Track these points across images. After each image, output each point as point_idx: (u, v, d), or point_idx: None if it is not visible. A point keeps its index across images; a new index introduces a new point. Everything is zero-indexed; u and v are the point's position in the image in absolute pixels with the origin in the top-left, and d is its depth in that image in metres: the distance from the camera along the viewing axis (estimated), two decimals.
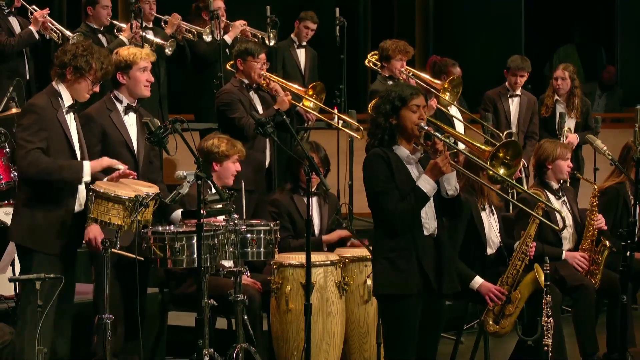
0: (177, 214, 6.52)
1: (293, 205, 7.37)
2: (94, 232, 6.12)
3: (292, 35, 10.35)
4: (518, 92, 9.97)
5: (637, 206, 6.61)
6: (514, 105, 9.95)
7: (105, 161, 6.12)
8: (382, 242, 5.45)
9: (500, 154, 5.47)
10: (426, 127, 5.41)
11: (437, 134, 5.40)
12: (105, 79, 6.27)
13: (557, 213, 6.59)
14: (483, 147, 5.52)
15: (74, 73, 6.07)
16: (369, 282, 6.79)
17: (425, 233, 5.43)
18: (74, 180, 6.02)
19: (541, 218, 6.47)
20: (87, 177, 6.03)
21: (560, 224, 6.27)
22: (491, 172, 5.52)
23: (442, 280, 5.44)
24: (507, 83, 10.00)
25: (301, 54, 10.30)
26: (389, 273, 5.38)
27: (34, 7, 9.15)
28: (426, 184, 5.33)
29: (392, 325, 5.44)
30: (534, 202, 6.83)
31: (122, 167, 6.15)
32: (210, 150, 7.06)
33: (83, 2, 9.62)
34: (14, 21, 9.13)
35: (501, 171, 5.49)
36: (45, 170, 5.94)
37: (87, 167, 6.03)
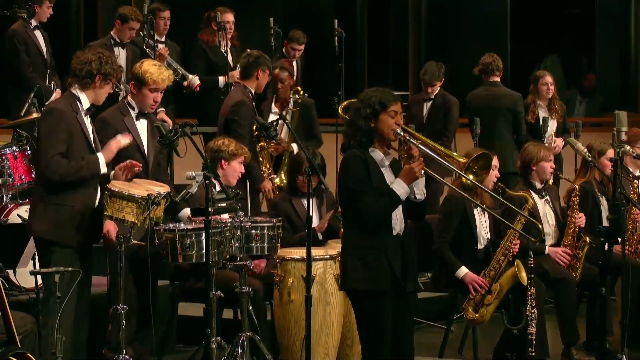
0: (185, 212, 6.53)
1: (291, 207, 7.35)
2: (107, 226, 6.14)
3: (284, 52, 10.29)
4: (432, 96, 9.82)
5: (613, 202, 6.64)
6: (426, 109, 9.90)
7: (113, 144, 6.12)
8: (354, 239, 5.43)
9: (471, 164, 5.48)
10: (401, 133, 5.39)
11: (412, 140, 5.38)
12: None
13: (538, 225, 6.70)
14: (456, 157, 5.53)
15: (103, 79, 6.09)
16: None
17: (394, 233, 5.41)
18: (95, 175, 6.06)
19: (528, 217, 6.51)
20: (104, 169, 6.08)
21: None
22: (464, 180, 5.52)
23: (407, 278, 5.42)
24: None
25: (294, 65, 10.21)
26: (360, 269, 5.35)
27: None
28: (400, 187, 5.31)
29: (367, 322, 5.39)
30: (519, 202, 6.90)
31: (127, 139, 6.17)
32: (219, 149, 7.03)
33: (116, 14, 9.57)
34: (39, 35, 8.99)
35: (470, 177, 5.50)
36: (67, 173, 5.96)
37: (102, 159, 6.05)
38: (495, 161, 7.02)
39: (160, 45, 9.56)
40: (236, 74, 9.28)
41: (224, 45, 9.67)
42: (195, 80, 9.55)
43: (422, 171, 5.32)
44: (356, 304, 5.48)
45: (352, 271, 5.39)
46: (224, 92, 9.40)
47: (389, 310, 5.36)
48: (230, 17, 9.82)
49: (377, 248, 5.35)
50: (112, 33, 9.51)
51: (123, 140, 6.18)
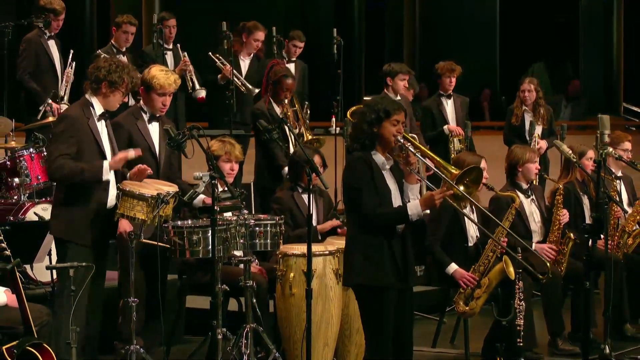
0: (200, 198, 6.52)
1: (293, 202, 7.35)
2: (124, 225, 6.15)
3: (283, 52, 10.28)
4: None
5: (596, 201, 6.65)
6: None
7: (120, 155, 6.10)
8: (358, 236, 5.44)
9: (463, 176, 5.47)
10: (402, 141, 5.42)
11: (410, 148, 5.41)
12: (133, 91, 6.32)
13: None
14: (450, 168, 5.52)
15: (109, 87, 6.10)
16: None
17: (396, 232, 5.42)
18: (95, 180, 6.03)
19: (509, 231, 6.55)
20: (106, 176, 6.04)
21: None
22: (455, 190, 5.49)
23: (408, 274, 5.45)
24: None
25: (291, 67, 10.13)
26: (364, 265, 5.37)
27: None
28: (415, 210, 5.34)
29: (370, 316, 5.41)
30: (506, 202, 6.90)
31: (134, 153, 6.14)
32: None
33: (113, 21, 9.57)
34: (52, 44, 8.87)
35: (461, 188, 5.49)
36: (69, 174, 5.96)
37: (107, 165, 6.03)
38: (483, 163, 7.03)
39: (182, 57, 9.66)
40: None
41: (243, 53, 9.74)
42: (200, 92, 9.63)
43: (441, 202, 5.33)
44: (361, 299, 5.50)
45: (357, 267, 5.41)
46: (229, 96, 9.42)
47: (392, 304, 5.39)
48: (261, 35, 9.83)
49: (381, 245, 5.37)
50: (112, 41, 9.48)
51: (132, 153, 6.15)
